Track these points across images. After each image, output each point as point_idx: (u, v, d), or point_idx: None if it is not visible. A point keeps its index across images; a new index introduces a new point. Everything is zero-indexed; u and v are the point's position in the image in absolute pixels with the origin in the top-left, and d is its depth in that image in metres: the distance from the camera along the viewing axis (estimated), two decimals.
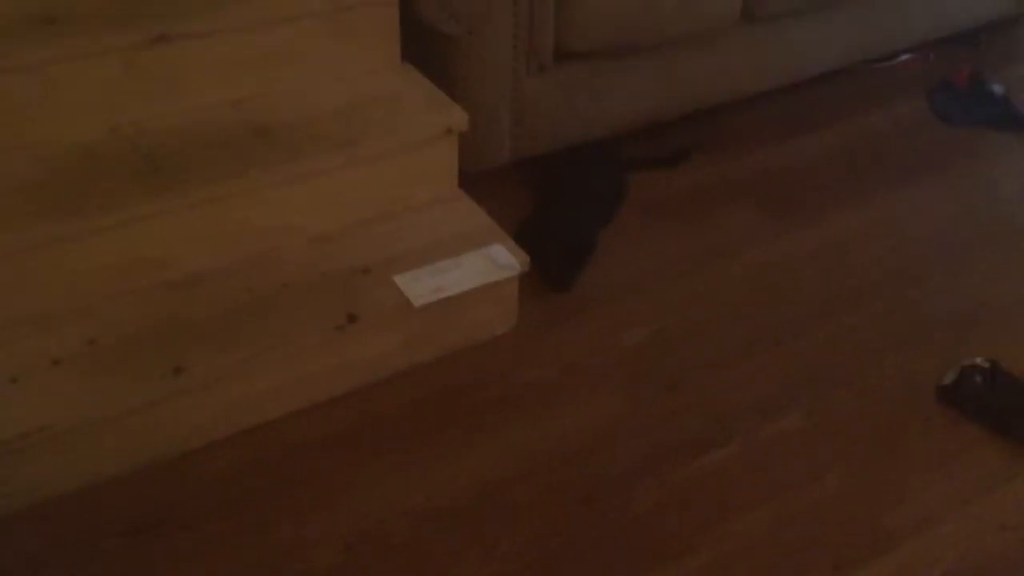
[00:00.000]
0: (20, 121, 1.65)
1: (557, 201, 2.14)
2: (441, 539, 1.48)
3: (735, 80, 2.42)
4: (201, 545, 1.46)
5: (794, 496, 1.56)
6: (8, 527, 1.46)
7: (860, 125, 2.54)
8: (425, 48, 2.00)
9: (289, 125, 1.78)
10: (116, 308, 1.63)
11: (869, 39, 2.63)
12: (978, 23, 2.86)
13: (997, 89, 2.66)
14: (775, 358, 1.82)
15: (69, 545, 1.45)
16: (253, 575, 1.42)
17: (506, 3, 1.95)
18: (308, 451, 1.61)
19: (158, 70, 1.71)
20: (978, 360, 1.76)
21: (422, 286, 1.73)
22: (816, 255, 2.08)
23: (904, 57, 2.82)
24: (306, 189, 1.75)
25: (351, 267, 1.75)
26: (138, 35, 1.67)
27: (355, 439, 1.64)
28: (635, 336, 1.86)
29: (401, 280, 1.74)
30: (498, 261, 1.79)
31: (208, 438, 1.60)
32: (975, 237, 2.16)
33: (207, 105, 1.78)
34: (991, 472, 1.61)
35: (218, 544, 1.46)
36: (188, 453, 1.59)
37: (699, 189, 2.26)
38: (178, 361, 1.55)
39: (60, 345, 1.55)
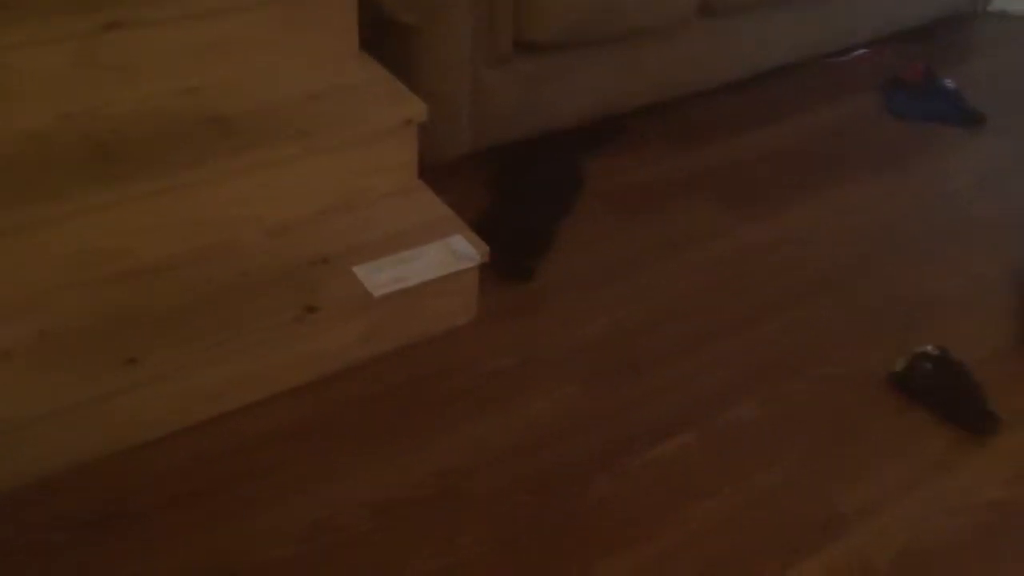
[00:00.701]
0: None
1: (515, 191, 2.14)
2: (399, 530, 1.48)
3: (694, 73, 2.45)
4: (154, 538, 1.44)
5: (749, 482, 1.58)
6: None
7: (816, 119, 2.58)
8: (384, 38, 1.99)
9: (245, 114, 1.77)
10: (68, 299, 1.60)
11: (825, 34, 2.68)
12: (931, 19, 2.91)
13: (949, 84, 2.71)
14: (731, 348, 1.84)
15: (20, 539, 1.43)
16: (208, 568, 1.41)
17: None
18: (265, 443, 1.60)
19: (111, 57, 1.69)
20: (928, 348, 1.80)
21: (382, 277, 1.72)
22: (772, 247, 2.11)
23: (859, 52, 2.86)
24: (263, 179, 1.73)
25: (310, 258, 1.74)
26: (90, 22, 1.64)
27: (313, 431, 1.63)
28: (594, 327, 1.87)
29: (360, 271, 1.73)
30: (458, 251, 1.79)
31: (163, 430, 1.59)
32: (926, 229, 2.20)
33: (161, 93, 1.76)
34: (940, 456, 1.65)
35: (172, 537, 1.45)
36: (143, 446, 1.57)
37: (658, 181, 2.28)
38: (131, 353, 1.53)
39: (10, 337, 1.53)
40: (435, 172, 1.99)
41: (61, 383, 1.48)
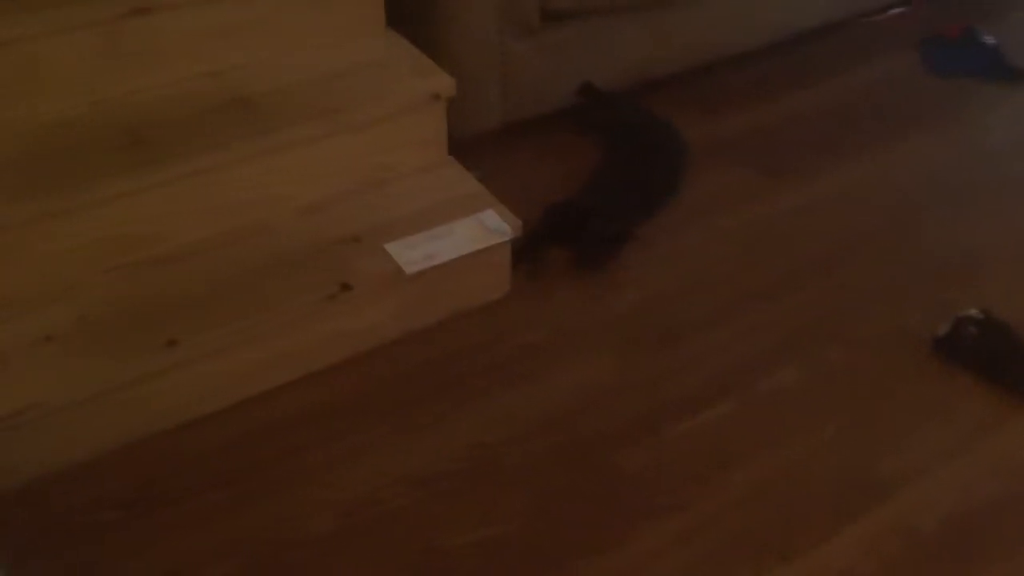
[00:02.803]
0: (0, 98, 1.64)
1: (607, 182, 2.09)
2: (437, 504, 1.49)
3: (726, 37, 2.41)
4: (198, 516, 1.47)
5: (790, 449, 1.57)
6: (6, 504, 1.46)
7: (852, 79, 2.52)
8: (410, 13, 1.98)
9: (272, 95, 1.77)
10: (105, 284, 1.62)
11: None
12: None
13: (988, 40, 2.64)
14: (768, 315, 1.82)
15: (67, 520, 1.46)
16: (251, 544, 1.43)
17: None
18: (303, 421, 1.61)
19: (137, 43, 1.70)
20: (972, 311, 1.76)
21: (414, 253, 1.72)
22: (809, 211, 2.07)
23: (896, 10, 2.79)
24: (292, 159, 1.74)
25: (341, 236, 1.75)
26: (116, 7, 1.65)
27: (349, 408, 1.64)
28: (627, 297, 1.86)
29: (392, 248, 1.73)
30: (489, 226, 1.78)
31: (203, 410, 1.61)
32: (966, 187, 2.15)
33: (188, 77, 1.77)
34: (984, 420, 1.62)
35: (215, 514, 1.47)
36: (183, 426, 1.59)
37: (693, 147, 2.24)
38: (170, 335, 1.55)
39: (51, 322, 1.55)
40: (466, 146, 1.98)
41: (101, 367, 1.51)
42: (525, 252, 1.88)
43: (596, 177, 2.10)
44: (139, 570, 1.40)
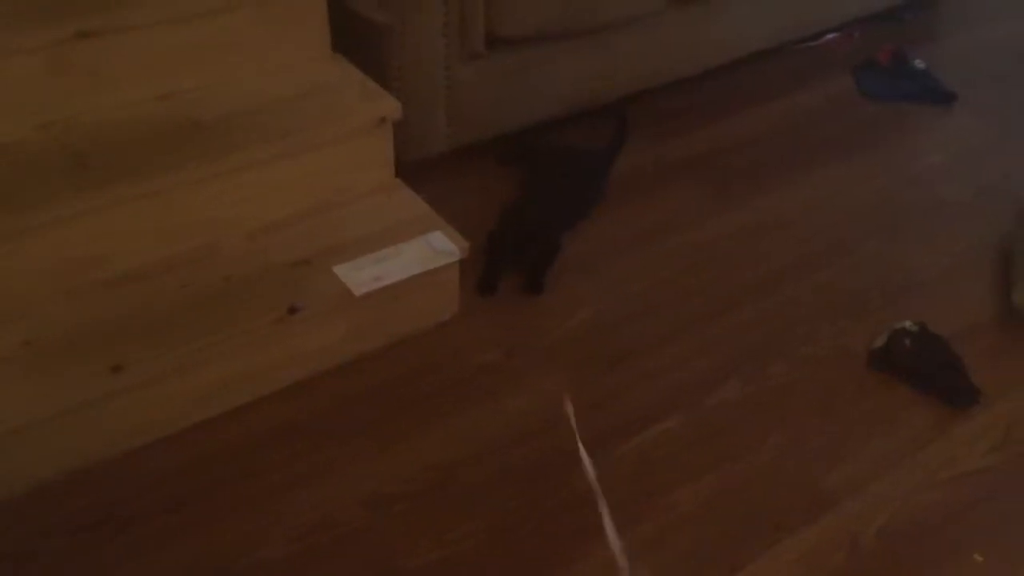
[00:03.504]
0: None
1: (533, 202, 2.12)
2: (393, 525, 1.49)
3: (669, 62, 2.46)
4: (148, 542, 1.45)
5: (735, 464, 1.60)
6: None
7: (791, 104, 2.60)
8: (356, 38, 1.99)
9: (220, 118, 1.77)
10: (51, 308, 1.60)
11: (797, 19, 2.70)
12: (901, 1, 2.94)
13: (919, 64, 2.74)
14: (713, 333, 1.86)
15: (14, 547, 1.43)
16: (203, 570, 1.42)
17: None
18: (255, 444, 1.60)
19: (83, 66, 1.68)
20: (907, 324, 1.82)
21: (362, 275, 1.73)
22: (751, 232, 2.13)
23: (830, 36, 2.89)
24: (241, 182, 1.73)
25: (291, 259, 1.75)
26: (60, 31, 1.64)
27: (302, 431, 1.63)
28: (577, 317, 1.89)
29: (341, 270, 1.74)
30: (437, 247, 1.80)
31: (152, 436, 1.59)
32: (902, 209, 2.23)
33: (136, 100, 1.76)
34: (921, 431, 1.67)
35: (166, 540, 1.45)
36: (132, 451, 1.57)
37: (638, 170, 2.29)
38: (117, 359, 1.53)
39: None
40: (415, 170, 2.00)
41: (48, 391, 1.49)
42: (487, 281, 1.92)
43: (519, 198, 2.14)
44: None
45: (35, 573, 1.40)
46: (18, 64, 1.63)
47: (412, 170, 1.99)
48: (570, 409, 1.22)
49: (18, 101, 1.66)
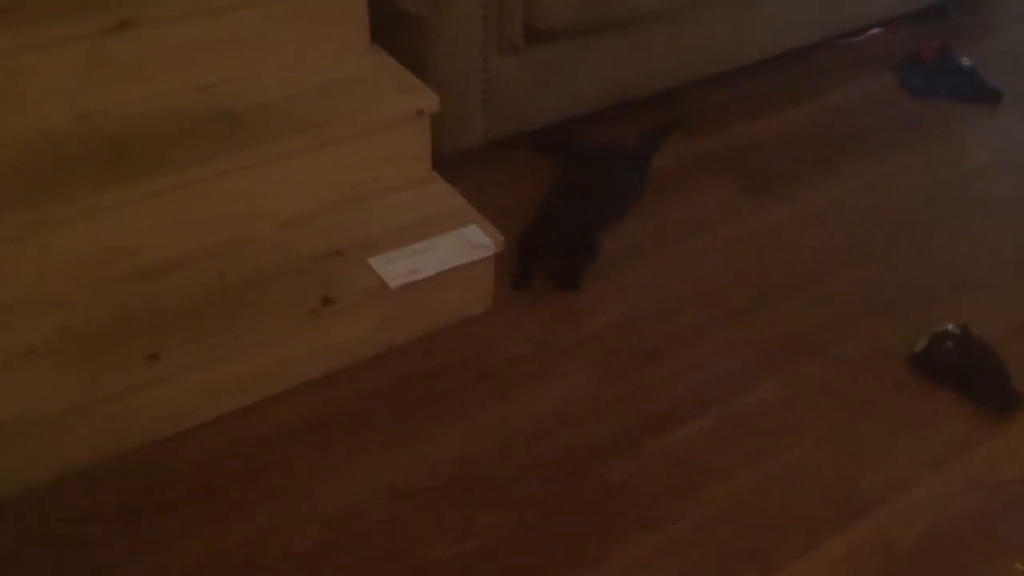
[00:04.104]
0: None
1: (571, 190, 2.11)
2: (420, 516, 1.49)
3: (708, 56, 2.43)
4: (181, 530, 1.46)
5: (769, 464, 1.58)
6: None
7: (832, 100, 2.56)
8: (394, 30, 1.99)
9: (256, 109, 1.78)
10: (89, 297, 1.62)
11: (839, 14, 2.65)
12: None
13: (965, 62, 2.68)
14: (748, 331, 1.83)
15: (50, 533, 1.45)
16: (233, 558, 1.43)
17: None
18: (286, 435, 1.61)
19: (122, 57, 1.70)
20: (949, 327, 1.78)
21: (397, 268, 1.73)
22: (789, 229, 2.10)
23: (873, 31, 2.84)
24: (275, 173, 1.74)
25: (324, 250, 1.75)
26: (100, 22, 1.65)
27: (332, 422, 1.64)
28: (610, 312, 1.87)
29: (376, 262, 1.73)
30: (472, 241, 1.79)
31: (185, 424, 1.60)
32: (944, 207, 2.18)
33: (173, 91, 1.77)
34: (962, 434, 1.64)
35: (198, 528, 1.46)
36: (166, 439, 1.58)
37: (674, 166, 2.26)
38: (153, 348, 1.54)
39: (33, 335, 1.54)
40: (451, 163, 1.99)
41: (84, 379, 1.50)
42: (521, 276, 1.91)
43: (555, 194, 2.12)
44: None
45: (73, 558, 1.42)
46: (59, 55, 1.65)
47: (448, 163, 1.99)
48: None
49: (58, 91, 1.68)
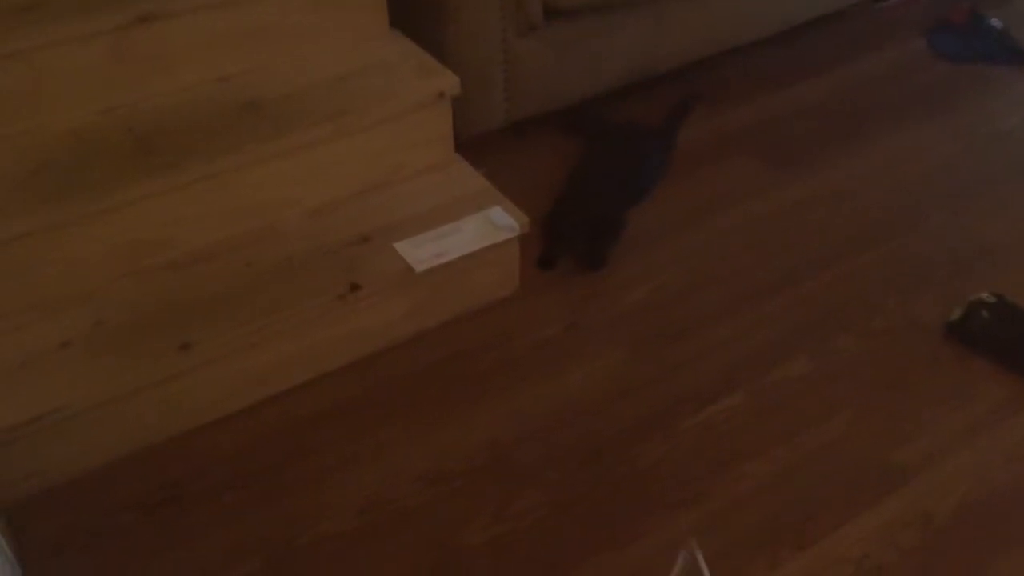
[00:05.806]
0: (10, 110, 1.66)
1: (594, 170, 2.10)
2: (452, 501, 1.50)
3: (728, 29, 2.40)
4: (217, 517, 1.48)
5: (802, 440, 1.57)
6: (28, 509, 1.48)
7: (859, 69, 2.52)
8: (413, 14, 1.98)
9: (279, 99, 1.78)
10: (120, 290, 1.64)
11: None
12: None
13: (995, 23, 2.62)
14: (777, 307, 1.82)
15: (88, 523, 1.47)
16: (269, 544, 1.44)
17: None
18: (316, 422, 1.62)
19: (144, 50, 1.71)
20: (984, 295, 1.75)
21: (423, 252, 1.73)
22: (817, 202, 2.07)
23: None
24: (300, 161, 1.75)
25: (351, 237, 1.76)
26: (121, 16, 1.66)
27: (363, 407, 1.65)
28: (637, 292, 1.86)
29: (402, 247, 1.74)
30: (497, 223, 1.79)
31: (219, 413, 1.62)
32: (975, 174, 2.14)
33: (195, 83, 1.79)
34: (999, 404, 1.61)
35: (234, 515, 1.48)
36: (200, 428, 1.60)
37: (697, 142, 2.24)
38: (184, 338, 1.56)
39: (67, 328, 1.57)
40: (472, 145, 1.99)
41: (119, 370, 1.52)
42: (547, 255, 1.91)
43: (579, 174, 2.10)
44: (160, 572, 1.42)
45: (109, 547, 1.45)
46: (82, 51, 1.66)
47: (470, 146, 1.98)
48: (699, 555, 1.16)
49: (83, 87, 1.70)
